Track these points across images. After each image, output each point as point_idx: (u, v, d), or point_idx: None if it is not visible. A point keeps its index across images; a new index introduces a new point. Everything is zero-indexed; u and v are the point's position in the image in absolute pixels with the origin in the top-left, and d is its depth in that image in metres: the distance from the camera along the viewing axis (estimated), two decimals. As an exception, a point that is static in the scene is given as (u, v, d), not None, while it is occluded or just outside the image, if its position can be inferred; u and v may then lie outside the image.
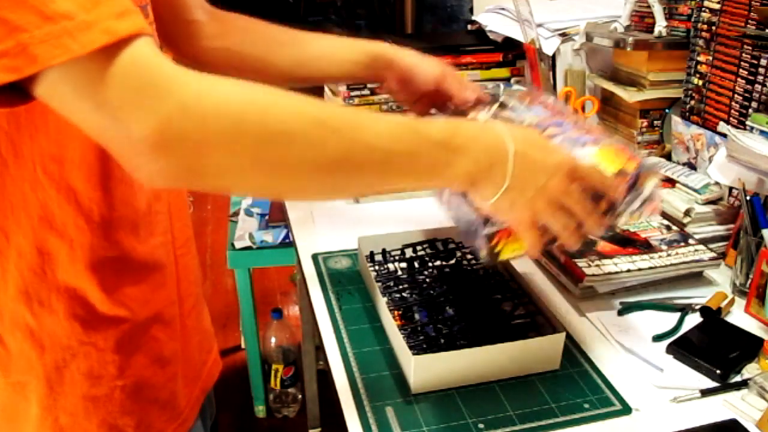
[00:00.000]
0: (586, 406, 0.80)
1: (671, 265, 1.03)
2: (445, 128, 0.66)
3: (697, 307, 0.99)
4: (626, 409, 0.80)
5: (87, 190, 0.67)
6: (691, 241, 1.09)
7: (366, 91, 1.50)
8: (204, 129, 0.53)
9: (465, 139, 0.65)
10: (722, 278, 1.08)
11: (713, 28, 1.15)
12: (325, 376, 1.04)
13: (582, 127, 0.85)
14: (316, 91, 1.64)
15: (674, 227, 1.13)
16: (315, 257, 1.14)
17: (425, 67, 0.97)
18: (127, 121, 0.51)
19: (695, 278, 1.06)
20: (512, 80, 1.54)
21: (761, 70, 1.07)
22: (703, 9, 1.17)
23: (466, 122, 0.72)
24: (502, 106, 0.93)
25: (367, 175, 0.62)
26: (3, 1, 0.48)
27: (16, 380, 0.71)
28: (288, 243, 1.79)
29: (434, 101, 0.98)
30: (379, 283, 0.99)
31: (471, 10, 2.00)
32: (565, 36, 1.40)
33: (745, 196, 1.02)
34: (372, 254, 1.08)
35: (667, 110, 1.31)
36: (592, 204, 0.70)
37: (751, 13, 1.07)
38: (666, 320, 0.97)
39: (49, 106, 0.53)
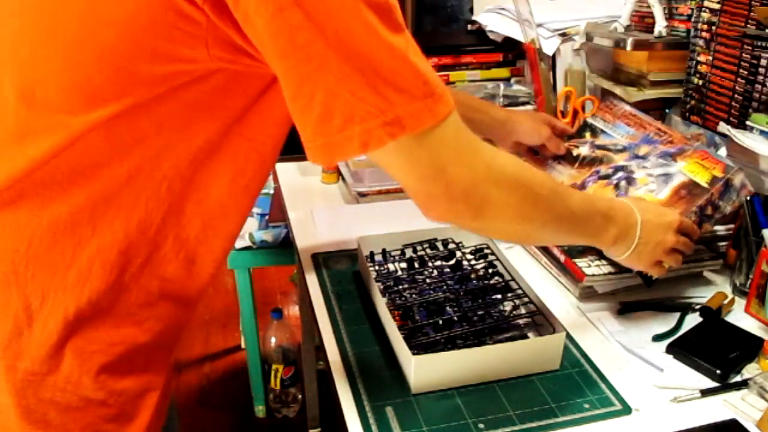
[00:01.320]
0: (586, 406, 0.80)
1: (671, 265, 1.03)
2: (604, 202, 0.91)
3: (697, 307, 0.99)
4: (626, 409, 0.80)
5: (193, 215, 0.73)
6: (691, 241, 1.09)
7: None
8: (495, 184, 0.71)
9: (615, 211, 0.87)
10: (722, 278, 1.08)
11: (713, 28, 1.15)
12: (325, 376, 1.04)
13: (663, 135, 1.11)
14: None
15: (674, 227, 1.13)
16: (315, 257, 1.14)
17: (536, 132, 1.21)
18: (448, 175, 0.67)
19: (695, 278, 1.06)
20: (512, 80, 1.54)
21: (761, 70, 1.07)
22: (703, 9, 1.17)
23: (612, 198, 1.01)
24: (593, 130, 1.21)
25: (565, 230, 0.82)
26: (386, 84, 0.60)
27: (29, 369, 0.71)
28: (288, 243, 1.79)
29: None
30: (379, 283, 0.99)
31: (471, 10, 2.00)
32: (565, 36, 1.40)
33: (746, 196, 1.02)
34: (372, 254, 1.08)
35: (667, 110, 1.31)
36: (691, 243, 0.95)
37: (751, 13, 1.07)
38: (666, 320, 0.97)
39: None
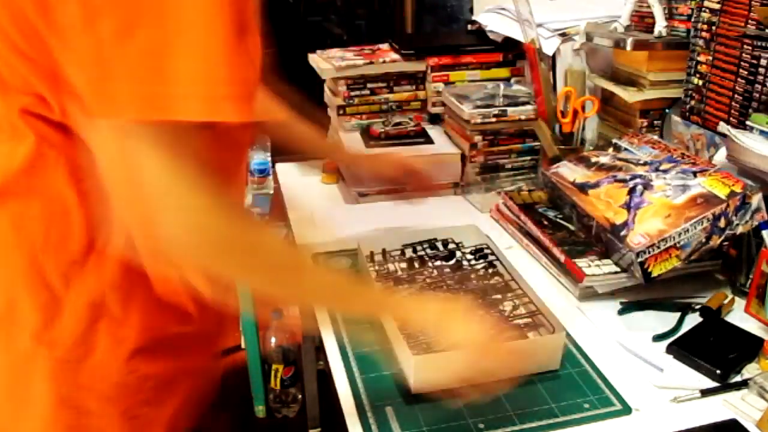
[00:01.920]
0: (586, 406, 0.80)
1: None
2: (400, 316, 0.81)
3: (697, 307, 0.99)
4: (626, 409, 0.80)
5: None
6: (691, 241, 1.09)
7: (366, 91, 1.50)
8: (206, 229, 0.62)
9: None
10: (722, 278, 1.08)
11: (713, 28, 1.15)
12: (325, 376, 1.04)
13: (689, 158, 1.10)
14: (317, 89, 1.63)
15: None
16: (315, 257, 1.14)
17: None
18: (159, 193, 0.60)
19: (695, 278, 1.06)
20: (512, 80, 1.54)
21: (761, 70, 1.07)
22: (703, 9, 1.17)
23: (420, 311, 0.79)
24: (616, 148, 1.20)
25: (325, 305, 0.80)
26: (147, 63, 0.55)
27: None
28: (288, 243, 1.79)
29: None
30: (379, 283, 0.98)
31: (471, 10, 2.00)
32: (565, 36, 1.40)
33: (745, 196, 1.02)
34: (372, 254, 1.08)
35: (667, 110, 1.31)
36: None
37: (751, 13, 1.07)
38: (666, 320, 0.97)
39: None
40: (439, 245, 1.09)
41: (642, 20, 1.34)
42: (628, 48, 1.26)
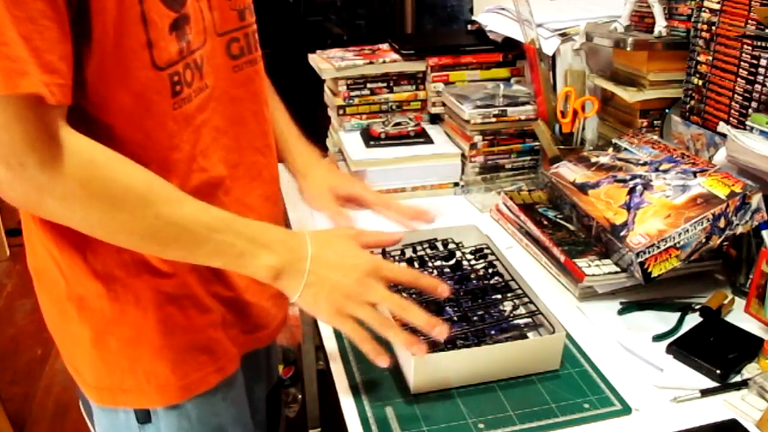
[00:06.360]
0: (586, 406, 0.80)
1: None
2: (257, 227, 0.76)
3: (697, 307, 0.99)
4: (626, 409, 0.80)
5: None
6: (691, 241, 1.09)
7: (366, 91, 1.50)
8: (60, 175, 0.64)
9: (271, 239, 0.75)
10: (722, 278, 1.08)
11: (713, 28, 1.15)
12: (325, 376, 1.04)
13: (689, 158, 1.11)
14: (317, 89, 1.64)
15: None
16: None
17: (316, 201, 1.09)
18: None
19: (695, 278, 1.06)
20: (512, 80, 1.54)
21: (761, 70, 1.07)
22: (703, 9, 1.17)
23: (276, 227, 0.80)
24: (616, 148, 1.20)
25: (174, 250, 0.73)
26: None
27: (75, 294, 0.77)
28: (288, 243, 1.79)
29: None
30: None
31: (471, 10, 2.00)
32: (565, 36, 1.40)
33: (745, 196, 1.02)
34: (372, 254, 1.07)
35: (667, 110, 1.31)
36: (406, 299, 0.78)
37: (751, 13, 1.07)
38: (666, 320, 0.97)
39: None
40: (439, 245, 1.09)
41: (642, 20, 1.34)
42: (628, 48, 1.26)
